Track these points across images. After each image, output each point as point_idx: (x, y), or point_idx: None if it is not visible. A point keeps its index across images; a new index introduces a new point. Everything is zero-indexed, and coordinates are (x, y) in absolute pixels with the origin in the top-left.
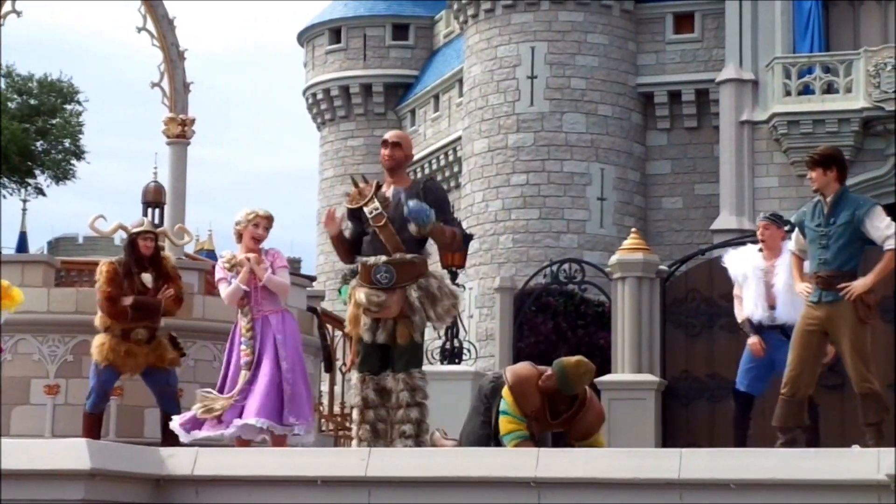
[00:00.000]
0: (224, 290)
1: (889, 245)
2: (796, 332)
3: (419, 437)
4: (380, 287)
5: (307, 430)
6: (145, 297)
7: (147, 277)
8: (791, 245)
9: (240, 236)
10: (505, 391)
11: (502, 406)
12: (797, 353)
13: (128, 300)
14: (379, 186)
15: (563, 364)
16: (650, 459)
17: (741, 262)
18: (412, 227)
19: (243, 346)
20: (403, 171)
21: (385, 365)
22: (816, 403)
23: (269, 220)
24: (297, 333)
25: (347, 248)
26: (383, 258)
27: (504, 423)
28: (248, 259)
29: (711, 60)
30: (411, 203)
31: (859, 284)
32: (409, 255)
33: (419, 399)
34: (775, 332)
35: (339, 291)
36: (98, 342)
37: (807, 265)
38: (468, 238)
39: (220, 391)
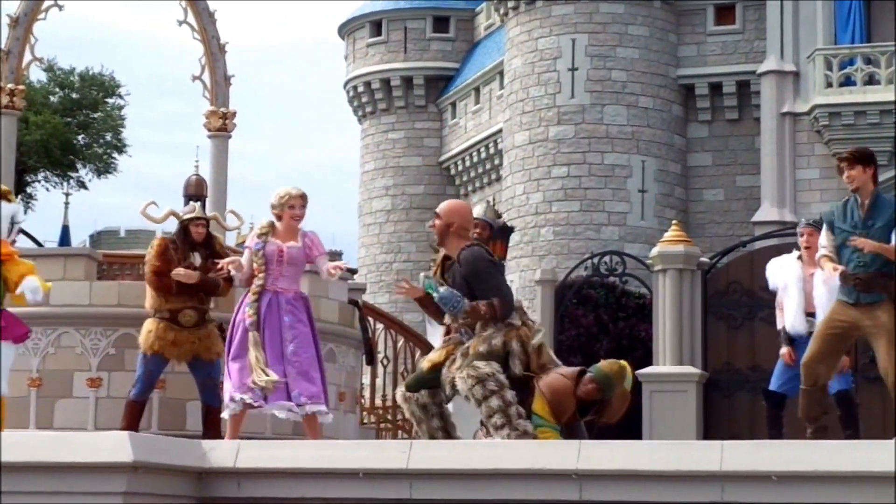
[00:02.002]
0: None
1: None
2: (823, 325)
3: (511, 422)
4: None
5: (322, 408)
6: (191, 273)
7: (197, 257)
8: (822, 244)
9: (279, 219)
10: (538, 405)
11: (536, 420)
12: (820, 345)
13: (180, 272)
14: (448, 257)
15: (606, 372)
16: (691, 451)
17: (782, 272)
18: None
19: (248, 309)
20: (453, 240)
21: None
22: (857, 402)
23: (303, 198)
24: (310, 321)
25: (435, 308)
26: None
27: (540, 435)
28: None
29: (752, 52)
30: (441, 290)
31: (872, 243)
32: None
33: (492, 387)
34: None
35: (427, 287)
36: (146, 329)
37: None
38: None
39: (228, 355)
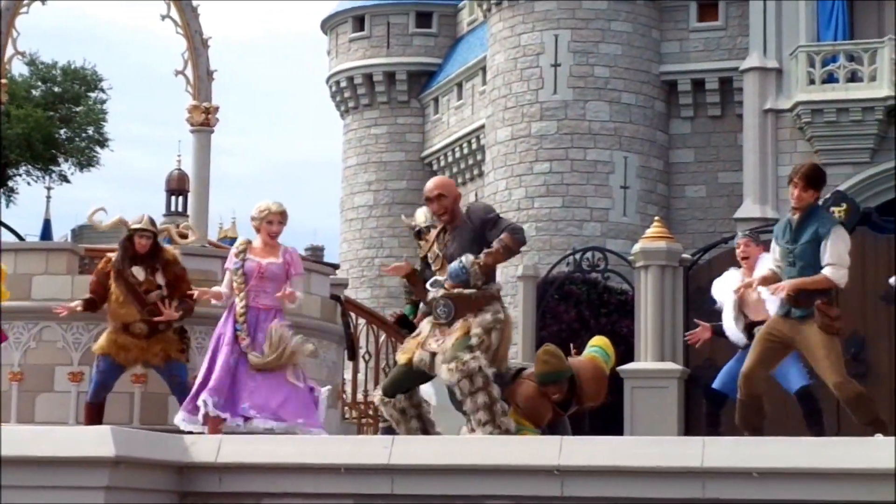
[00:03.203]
0: (223, 283)
1: (826, 271)
2: (760, 337)
3: (495, 420)
4: (440, 322)
5: (310, 426)
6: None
7: (138, 270)
8: (769, 260)
9: (258, 230)
10: (513, 416)
11: (517, 428)
12: (756, 357)
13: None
14: (444, 230)
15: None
16: (673, 447)
17: (723, 289)
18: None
19: (239, 331)
20: (460, 214)
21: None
22: (818, 398)
23: (281, 214)
24: None
25: (423, 286)
26: (442, 292)
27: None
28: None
29: (735, 49)
30: (450, 268)
31: (784, 284)
32: (466, 291)
33: (479, 383)
34: None
35: (405, 313)
36: (103, 334)
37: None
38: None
39: (207, 376)
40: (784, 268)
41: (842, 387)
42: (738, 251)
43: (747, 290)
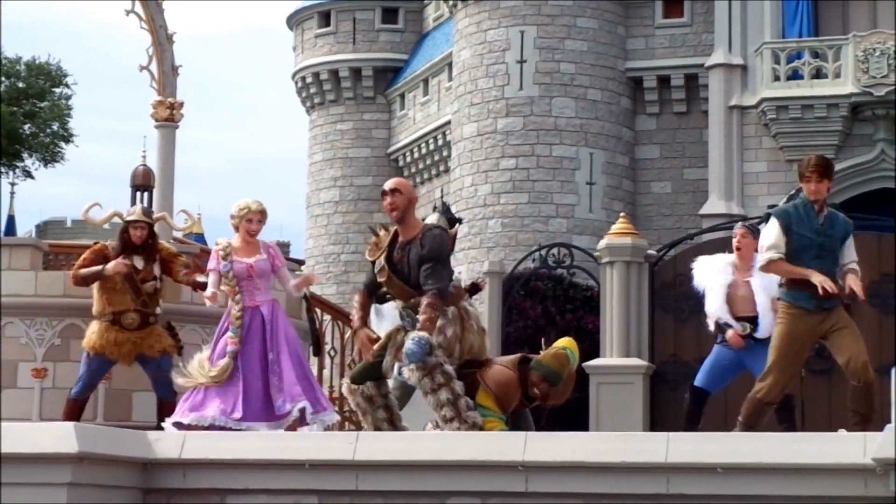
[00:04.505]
0: (209, 283)
1: (849, 268)
2: (792, 339)
3: (461, 415)
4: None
5: (316, 410)
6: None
7: (137, 260)
8: (773, 244)
9: (237, 228)
10: (482, 396)
11: (482, 411)
12: (787, 361)
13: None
14: (396, 235)
15: (547, 365)
16: (637, 443)
17: (708, 274)
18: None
19: (230, 334)
20: (412, 218)
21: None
22: (793, 395)
23: (261, 213)
24: (287, 321)
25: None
26: (401, 304)
27: (487, 425)
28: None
29: (700, 45)
30: (407, 349)
31: (860, 285)
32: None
33: (440, 380)
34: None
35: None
36: (90, 330)
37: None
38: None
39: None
40: (810, 259)
41: (868, 369)
42: (734, 241)
43: (738, 285)
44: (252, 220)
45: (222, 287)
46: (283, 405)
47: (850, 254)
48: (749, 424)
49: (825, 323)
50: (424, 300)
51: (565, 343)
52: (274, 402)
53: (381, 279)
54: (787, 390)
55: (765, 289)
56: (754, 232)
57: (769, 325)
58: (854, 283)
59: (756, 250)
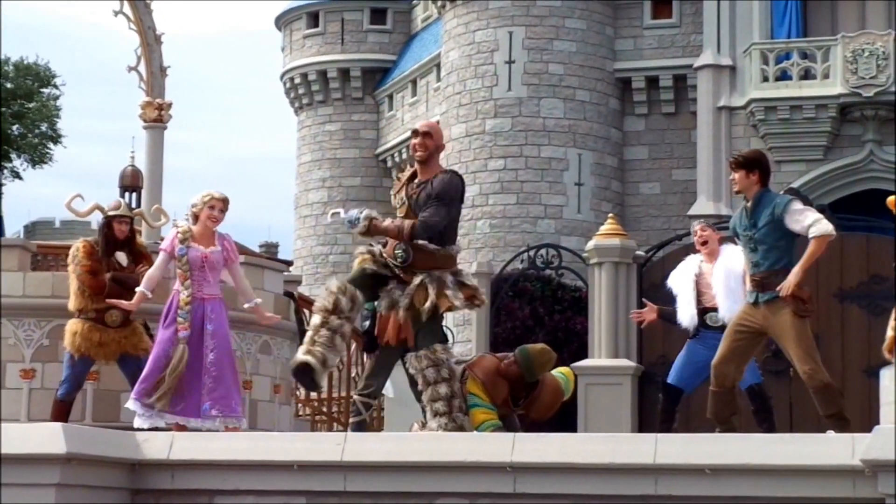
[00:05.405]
0: (157, 264)
1: (813, 232)
2: (731, 327)
3: (451, 413)
4: (397, 265)
5: (232, 420)
6: (123, 273)
7: (121, 256)
8: (739, 252)
9: (196, 218)
10: (472, 385)
11: (472, 400)
12: (728, 346)
13: (122, 303)
14: (415, 175)
15: (529, 351)
16: (625, 444)
17: (680, 276)
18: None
19: (180, 319)
20: (435, 163)
21: (371, 298)
22: (769, 395)
23: (224, 202)
24: (226, 323)
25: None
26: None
27: (477, 415)
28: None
29: (689, 46)
30: (349, 212)
31: (791, 280)
32: (431, 246)
33: (444, 375)
34: (715, 332)
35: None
36: (71, 330)
37: None
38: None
39: (156, 365)
40: (747, 254)
41: (812, 375)
42: (695, 238)
43: (705, 276)
44: (214, 206)
45: (178, 270)
46: (208, 409)
47: (802, 224)
48: (719, 418)
49: (768, 319)
50: (408, 222)
51: (564, 370)
52: (201, 402)
53: (400, 214)
54: (731, 382)
55: (726, 276)
56: (712, 225)
57: (727, 305)
58: (790, 277)
59: (719, 242)
